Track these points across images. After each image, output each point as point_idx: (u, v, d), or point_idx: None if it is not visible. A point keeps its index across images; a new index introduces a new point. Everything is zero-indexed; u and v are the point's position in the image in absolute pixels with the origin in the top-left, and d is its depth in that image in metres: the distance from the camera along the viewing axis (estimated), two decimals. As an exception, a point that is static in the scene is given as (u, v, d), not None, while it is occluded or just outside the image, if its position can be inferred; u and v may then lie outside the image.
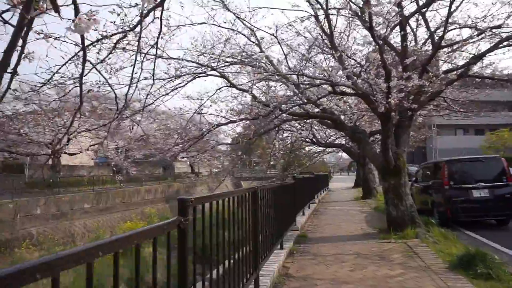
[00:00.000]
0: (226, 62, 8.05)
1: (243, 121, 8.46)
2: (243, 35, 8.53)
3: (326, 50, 8.97)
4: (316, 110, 8.51)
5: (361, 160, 15.99)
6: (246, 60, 8.08)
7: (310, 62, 8.43)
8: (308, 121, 11.21)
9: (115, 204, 26.31)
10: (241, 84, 8.05)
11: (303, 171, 22.56)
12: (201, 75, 7.56)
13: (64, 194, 22.30)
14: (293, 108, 7.91)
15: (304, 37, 8.67)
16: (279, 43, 8.24)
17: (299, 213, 9.27)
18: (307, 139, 17.21)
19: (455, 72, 7.26)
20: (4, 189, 23.05)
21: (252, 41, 8.58)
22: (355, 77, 7.12)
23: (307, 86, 6.77)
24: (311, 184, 12.50)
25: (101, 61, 4.40)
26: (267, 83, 9.60)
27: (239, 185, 45.20)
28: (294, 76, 7.20)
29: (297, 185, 8.43)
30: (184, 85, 7.65)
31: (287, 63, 8.16)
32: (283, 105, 7.09)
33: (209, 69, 7.54)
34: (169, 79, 7.18)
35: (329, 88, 7.16)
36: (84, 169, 36.26)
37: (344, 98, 9.59)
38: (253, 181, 42.83)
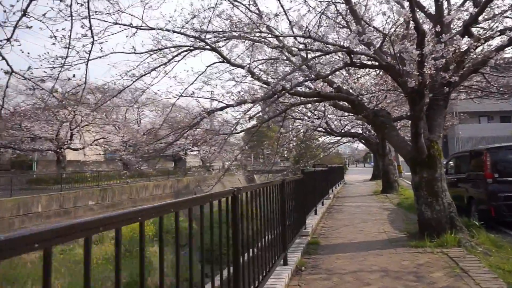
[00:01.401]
0: (220, 34, 6.68)
1: (241, 105, 7.10)
2: (242, 4, 7.15)
3: (341, 22, 7.50)
4: (329, 90, 7.07)
5: (380, 150, 14.44)
6: (243, 31, 6.69)
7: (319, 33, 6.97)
8: (320, 106, 9.76)
9: (121, 201, 25.42)
10: (236, 59, 6.66)
11: (316, 164, 21.09)
12: (186, 48, 6.21)
13: (67, 191, 21.43)
14: (301, 87, 6.48)
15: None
16: (284, 12, 6.83)
17: (311, 212, 7.90)
18: (320, 128, 15.74)
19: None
20: (7, 186, 22.43)
21: (252, 11, 7.19)
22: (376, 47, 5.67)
23: (317, 54, 5.34)
24: (324, 178, 11.08)
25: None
26: (271, 63, 8.22)
27: (252, 178, 43.98)
28: (301, 46, 5.78)
29: (307, 180, 7.05)
30: (167, 63, 6.31)
31: (292, 31, 6.74)
32: (287, 83, 5.68)
33: (198, 41, 6.18)
34: (148, 53, 5.86)
35: (343, 60, 5.73)
36: (94, 165, 35.71)
37: (362, 79, 8.13)
38: (261, 174, 41.61)
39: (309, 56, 6.28)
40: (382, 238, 6.48)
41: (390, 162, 14.40)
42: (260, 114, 13.65)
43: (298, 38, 6.25)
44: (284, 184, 4.68)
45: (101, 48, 5.55)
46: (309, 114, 15.47)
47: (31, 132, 22.43)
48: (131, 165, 30.22)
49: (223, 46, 7.10)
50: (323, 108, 9.76)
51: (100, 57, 5.40)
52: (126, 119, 31.90)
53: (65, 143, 24.27)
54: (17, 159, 30.44)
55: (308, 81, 6.33)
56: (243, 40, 7.06)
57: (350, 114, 17.61)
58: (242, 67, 6.35)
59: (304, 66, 6.27)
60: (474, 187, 7.97)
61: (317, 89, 6.49)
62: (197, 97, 7.34)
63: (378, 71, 8.74)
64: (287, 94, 8.93)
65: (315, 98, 7.38)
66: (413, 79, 5.41)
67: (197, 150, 41.63)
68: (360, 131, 16.93)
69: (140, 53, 5.74)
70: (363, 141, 25.04)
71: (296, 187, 5.87)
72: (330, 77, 6.75)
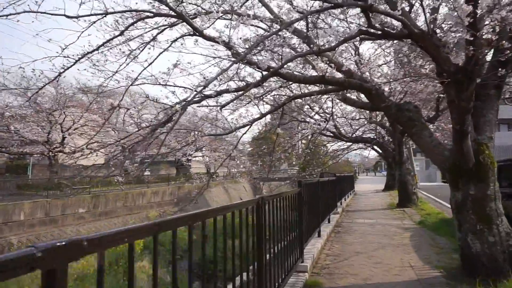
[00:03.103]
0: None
1: (222, 95, 5.42)
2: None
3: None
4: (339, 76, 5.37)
5: (397, 157, 12.61)
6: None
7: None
8: (327, 103, 8.05)
9: (115, 208, 23.88)
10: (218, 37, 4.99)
11: (324, 172, 19.27)
12: (145, 16, 4.59)
13: (51, 198, 19.93)
14: (300, 70, 4.78)
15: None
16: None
17: (313, 235, 6.15)
18: (328, 133, 14.01)
19: None
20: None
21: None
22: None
23: (319, 7, 3.66)
24: (331, 189, 9.32)
25: None
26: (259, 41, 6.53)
27: (258, 186, 42.13)
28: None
29: (307, 194, 5.33)
30: (119, 35, 4.70)
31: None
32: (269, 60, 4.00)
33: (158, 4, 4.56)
34: (86, 17, 4.24)
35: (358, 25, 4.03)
36: (94, 170, 34.37)
37: (378, 62, 6.45)
38: (266, 182, 39.94)
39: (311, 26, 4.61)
40: (409, 277, 4.70)
41: (408, 172, 12.55)
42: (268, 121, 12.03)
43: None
44: (262, 204, 2.99)
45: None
46: (316, 117, 13.79)
47: (20, 134, 21.07)
48: (130, 171, 28.69)
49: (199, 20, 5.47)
50: (330, 104, 8.08)
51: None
52: (124, 122, 30.45)
53: (57, 147, 22.89)
54: (13, 163, 29.30)
55: (306, 55, 4.67)
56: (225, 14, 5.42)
57: (362, 116, 15.89)
58: (216, 41, 4.71)
59: (303, 41, 4.59)
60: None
61: (322, 72, 4.79)
62: (168, 84, 5.72)
63: (398, 56, 6.98)
64: (289, 88, 7.22)
65: (318, 90, 5.69)
66: (460, 53, 3.70)
67: (201, 156, 40.13)
68: (373, 136, 15.13)
69: (73, 17, 4.16)
70: (375, 148, 23.17)
71: (288, 205, 4.17)
72: (339, 59, 5.05)
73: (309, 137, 13.76)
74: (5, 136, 20.92)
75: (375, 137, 14.46)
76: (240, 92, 4.60)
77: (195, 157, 36.90)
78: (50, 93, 21.99)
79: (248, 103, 8.28)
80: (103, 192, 24.11)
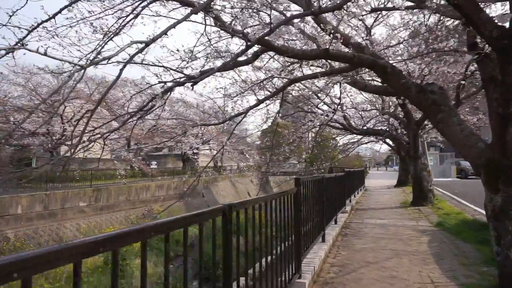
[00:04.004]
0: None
1: (206, 75, 4.53)
2: None
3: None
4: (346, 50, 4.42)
5: (412, 151, 11.58)
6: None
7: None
8: (335, 91, 7.09)
9: (118, 202, 23.32)
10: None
11: (333, 166, 18.29)
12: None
13: (55, 190, 19.42)
14: (297, 44, 3.87)
15: None
16: None
17: (316, 241, 5.26)
18: (336, 124, 13.04)
19: None
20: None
21: None
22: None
23: None
24: (339, 185, 8.40)
25: None
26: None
27: (266, 180, 41.26)
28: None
29: (307, 194, 4.44)
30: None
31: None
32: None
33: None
34: None
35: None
36: (100, 163, 33.97)
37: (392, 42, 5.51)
38: (275, 176, 39.10)
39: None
40: (432, 299, 3.78)
41: (423, 167, 11.51)
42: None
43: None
44: (229, 214, 2.12)
45: None
46: (324, 107, 12.82)
47: (18, 126, 20.51)
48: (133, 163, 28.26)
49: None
50: (338, 92, 7.13)
51: None
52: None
53: (58, 138, 22.35)
54: (17, 155, 29.00)
55: (303, 17, 3.74)
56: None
57: (373, 107, 14.83)
58: (191, 5, 3.79)
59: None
60: None
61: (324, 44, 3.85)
62: (142, 63, 4.84)
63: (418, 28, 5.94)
64: (292, 73, 6.34)
65: (322, 71, 4.76)
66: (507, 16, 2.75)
67: (208, 149, 39.42)
68: (386, 128, 14.09)
69: None
70: (387, 141, 22.05)
71: (281, 209, 3.30)
72: (345, 31, 4.10)
73: (316, 128, 12.79)
74: (4, 128, 20.42)
75: (387, 129, 13.42)
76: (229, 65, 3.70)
77: (201, 150, 36.22)
78: (48, 82, 21.40)
79: (246, 91, 7.38)
80: (105, 185, 23.57)
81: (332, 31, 3.78)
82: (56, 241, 17.62)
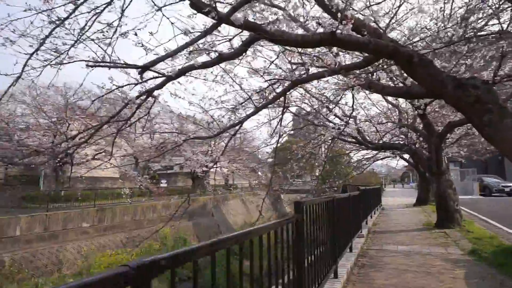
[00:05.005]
0: None
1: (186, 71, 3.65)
2: None
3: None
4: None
5: (434, 167, 10.41)
6: None
7: None
8: (346, 99, 6.15)
9: (123, 222, 22.49)
10: None
11: (347, 184, 17.13)
12: None
13: (55, 211, 18.72)
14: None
15: None
16: None
17: (327, 277, 4.21)
18: (349, 138, 12.01)
19: None
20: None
21: None
22: None
23: None
24: (354, 206, 7.34)
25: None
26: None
27: (278, 197, 40.00)
28: None
29: (312, 221, 3.45)
30: None
31: None
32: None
33: None
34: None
35: None
36: (109, 181, 33.45)
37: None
38: (286, 194, 37.90)
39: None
40: None
41: (448, 184, 10.31)
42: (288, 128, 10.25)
43: None
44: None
45: None
46: (336, 120, 11.84)
47: (21, 144, 20.11)
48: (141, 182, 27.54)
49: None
50: (350, 103, 6.18)
51: None
52: (136, 132, 29.17)
53: (63, 157, 21.83)
54: (24, 174, 28.67)
55: None
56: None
57: (389, 119, 13.77)
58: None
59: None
60: None
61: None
62: (109, 63, 3.95)
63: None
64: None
65: (329, 69, 3.84)
66: None
67: (218, 167, 38.48)
68: (403, 142, 12.97)
69: None
70: (404, 157, 20.79)
71: (281, 244, 2.33)
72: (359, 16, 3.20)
73: (328, 143, 11.78)
74: (7, 146, 20.02)
75: (406, 143, 12.29)
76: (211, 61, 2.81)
77: (210, 168, 35.41)
78: (52, 100, 21.08)
79: (245, 101, 6.50)
80: (110, 205, 22.83)
81: (340, 9, 2.87)
82: (55, 264, 16.78)
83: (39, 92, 21.85)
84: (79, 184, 26.63)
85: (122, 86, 3.89)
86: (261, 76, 5.11)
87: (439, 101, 11.16)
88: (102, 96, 4.01)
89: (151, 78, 3.91)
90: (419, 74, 3.25)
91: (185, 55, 4.05)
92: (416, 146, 12.85)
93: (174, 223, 26.52)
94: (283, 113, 5.38)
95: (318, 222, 3.81)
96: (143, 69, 3.85)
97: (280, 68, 5.87)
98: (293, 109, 12.29)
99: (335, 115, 11.22)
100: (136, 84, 3.87)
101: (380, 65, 4.68)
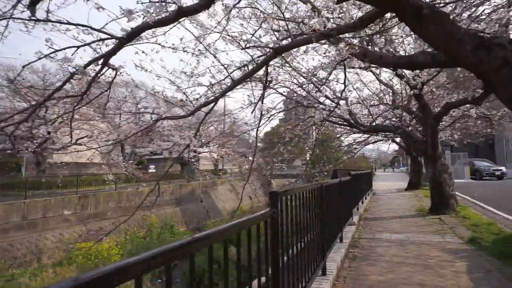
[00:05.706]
0: None
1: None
2: None
3: None
4: None
5: (430, 150, 9.86)
6: None
7: None
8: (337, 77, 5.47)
9: (107, 209, 21.78)
10: None
11: (338, 168, 16.59)
12: None
13: (34, 198, 17.90)
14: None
15: None
16: None
17: (315, 274, 3.60)
18: (340, 120, 11.37)
19: None
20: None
21: None
22: None
23: None
24: (344, 193, 6.75)
25: None
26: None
27: (269, 183, 39.55)
28: None
29: (292, 216, 2.81)
30: None
31: None
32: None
33: None
34: None
35: None
36: (94, 167, 32.52)
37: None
38: (276, 179, 37.48)
39: None
40: None
41: (444, 169, 9.78)
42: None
43: None
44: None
45: None
46: (327, 102, 11.16)
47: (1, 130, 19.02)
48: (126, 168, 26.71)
49: None
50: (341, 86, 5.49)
51: None
52: (121, 114, 28.12)
53: (41, 142, 20.83)
54: (6, 161, 27.62)
55: None
56: None
57: (382, 102, 13.15)
58: None
59: None
60: None
61: None
62: (48, 20, 3.23)
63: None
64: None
65: (318, 33, 3.16)
66: None
67: (207, 152, 37.78)
68: (397, 125, 12.37)
69: None
70: (396, 141, 20.30)
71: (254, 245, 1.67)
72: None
73: (317, 126, 11.13)
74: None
75: (400, 125, 11.69)
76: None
77: (200, 153, 34.69)
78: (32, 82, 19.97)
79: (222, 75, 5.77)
80: (94, 191, 22.06)
81: None
82: (35, 253, 16.08)
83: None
84: (61, 170, 25.75)
85: (63, 49, 3.14)
86: (238, 43, 4.39)
87: (436, 80, 10.53)
88: (34, 62, 3.24)
89: (97, 40, 3.16)
90: (429, 31, 2.55)
91: (142, 14, 3.29)
92: (410, 129, 12.29)
93: (163, 210, 25.93)
94: (264, 88, 4.69)
95: (301, 216, 3.16)
96: (91, 28, 3.10)
97: (260, 36, 5.14)
98: (283, 91, 11.58)
99: (326, 96, 10.54)
100: (78, 47, 3.13)
101: (379, 26, 3.97)
